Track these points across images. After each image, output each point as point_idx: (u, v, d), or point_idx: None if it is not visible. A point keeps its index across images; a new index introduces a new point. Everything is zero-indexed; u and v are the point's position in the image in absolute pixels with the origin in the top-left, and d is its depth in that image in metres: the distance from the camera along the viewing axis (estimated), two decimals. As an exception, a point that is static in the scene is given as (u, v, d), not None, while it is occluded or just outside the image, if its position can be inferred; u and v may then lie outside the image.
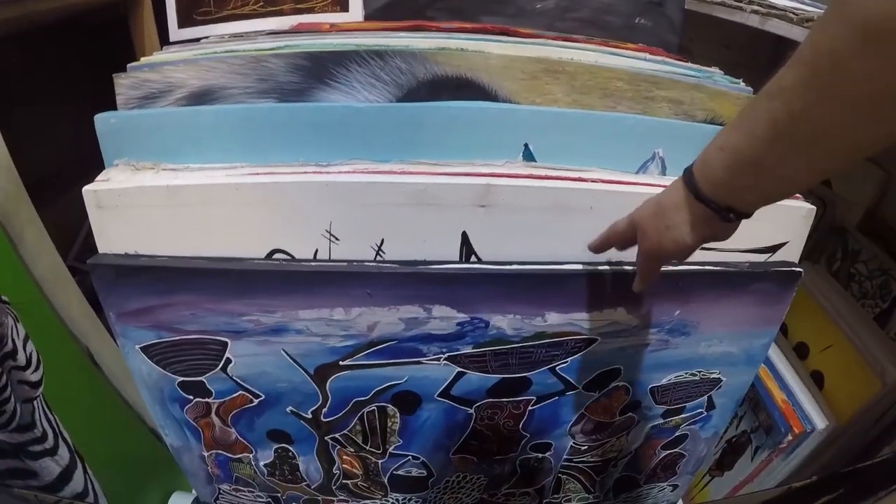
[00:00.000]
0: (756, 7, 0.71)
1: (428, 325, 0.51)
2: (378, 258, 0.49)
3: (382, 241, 0.47)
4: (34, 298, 0.58)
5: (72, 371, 0.63)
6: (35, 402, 0.56)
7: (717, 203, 0.35)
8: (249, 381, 0.55)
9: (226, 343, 0.52)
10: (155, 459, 0.72)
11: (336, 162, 0.48)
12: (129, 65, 0.54)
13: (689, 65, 0.68)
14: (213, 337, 0.52)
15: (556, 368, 0.56)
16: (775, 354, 0.80)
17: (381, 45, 0.54)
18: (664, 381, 0.61)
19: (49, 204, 0.67)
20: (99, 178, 0.50)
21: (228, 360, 0.53)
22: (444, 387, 0.56)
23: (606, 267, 0.51)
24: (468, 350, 0.53)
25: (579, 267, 0.50)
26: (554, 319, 0.52)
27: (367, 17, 0.70)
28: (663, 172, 0.54)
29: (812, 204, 0.56)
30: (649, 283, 0.44)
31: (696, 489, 0.87)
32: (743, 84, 0.65)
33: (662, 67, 0.61)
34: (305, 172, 0.46)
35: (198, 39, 0.69)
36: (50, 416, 0.57)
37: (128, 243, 0.49)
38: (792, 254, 0.56)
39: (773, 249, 0.56)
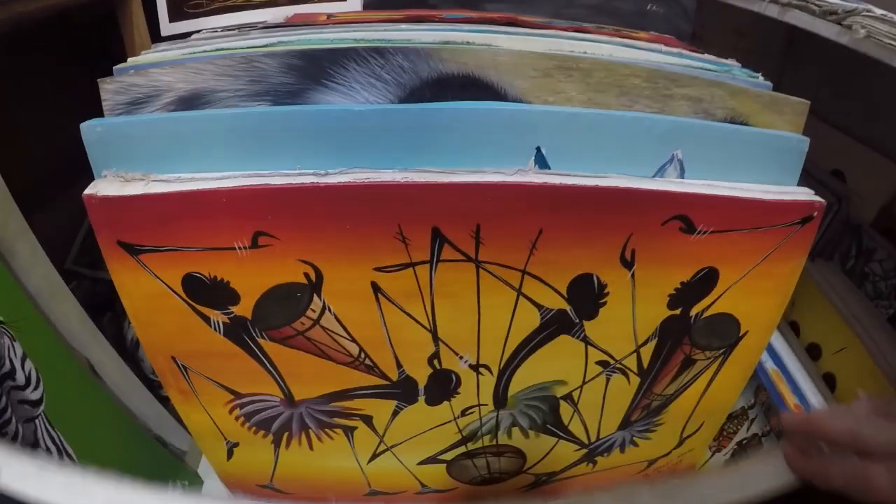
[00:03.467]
0: (775, -6, 0.67)
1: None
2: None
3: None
4: (30, 315, 0.56)
5: (73, 385, 0.61)
6: (37, 421, 0.54)
7: None
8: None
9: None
10: (160, 468, 0.72)
11: (334, 171, 0.45)
12: (114, 67, 0.51)
13: (707, 57, 0.64)
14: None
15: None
16: (787, 356, 0.78)
17: (382, 39, 0.51)
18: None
19: (42, 209, 0.65)
20: (87, 190, 0.47)
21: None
22: None
23: None
24: None
25: None
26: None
27: (366, 7, 0.66)
28: (681, 176, 0.51)
29: (825, 198, 0.52)
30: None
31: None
32: (762, 78, 0.61)
33: (680, 61, 0.58)
34: (302, 186, 0.43)
35: (190, 33, 0.66)
36: (53, 433, 0.56)
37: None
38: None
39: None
